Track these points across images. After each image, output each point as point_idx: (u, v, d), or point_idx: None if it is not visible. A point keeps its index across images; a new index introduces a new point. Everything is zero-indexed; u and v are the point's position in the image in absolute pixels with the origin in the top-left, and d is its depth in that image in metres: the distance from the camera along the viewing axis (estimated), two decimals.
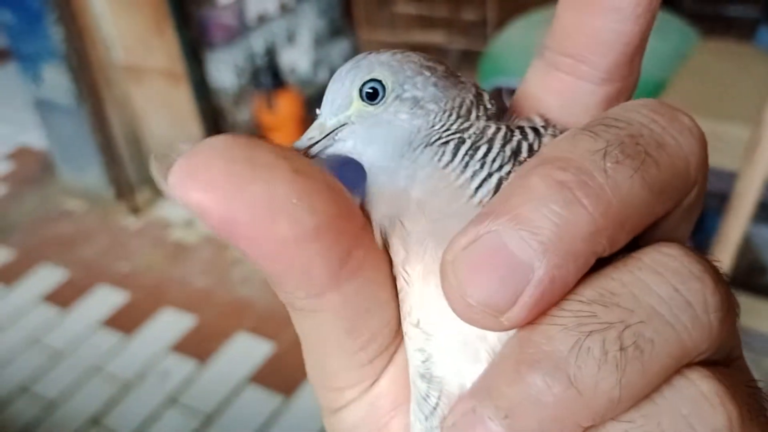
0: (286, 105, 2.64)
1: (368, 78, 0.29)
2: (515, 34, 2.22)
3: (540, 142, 0.27)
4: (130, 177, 2.67)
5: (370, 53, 0.30)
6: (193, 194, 0.21)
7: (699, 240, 1.78)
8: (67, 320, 2.32)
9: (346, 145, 0.30)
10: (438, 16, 2.71)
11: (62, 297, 2.40)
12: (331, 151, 0.30)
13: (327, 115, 0.30)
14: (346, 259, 0.24)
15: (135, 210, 2.67)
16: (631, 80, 0.27)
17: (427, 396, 0.26)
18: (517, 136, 0.27)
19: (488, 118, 0.29)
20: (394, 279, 0.27)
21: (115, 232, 2.65)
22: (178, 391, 2.03)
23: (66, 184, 2.80)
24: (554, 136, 0.27)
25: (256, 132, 2.71)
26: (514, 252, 0.20)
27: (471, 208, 0.25)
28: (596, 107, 0.27)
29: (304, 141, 0.30)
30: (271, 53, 2.70)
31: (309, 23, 2.78)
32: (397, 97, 0.29)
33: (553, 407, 0.19)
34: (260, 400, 1.97)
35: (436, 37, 2.72)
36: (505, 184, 0.25)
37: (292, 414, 1.92)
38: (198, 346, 2.15)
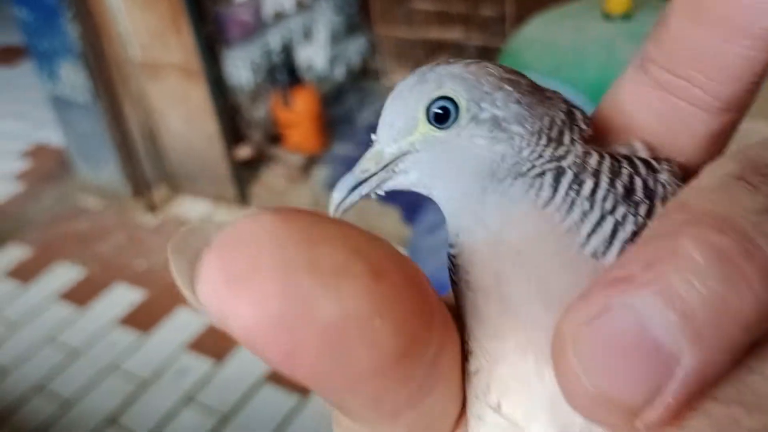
0: (303, 102, 2.62)
1: (437, 95, 0.24)
2: (535, 30, 2.19)
3: (656, 181, 0.22)
4: (146, 174, 2.66)
5: (437, 64, 0.25)
6: (238, 314, 0.16)
7: None
8: (83, 318, 2.31)
9: (409, 178, 0.25)
10: (456, 11, 2.68)
11: (79, 295, 2.40)
12: (390, 185, 0.26)
13: (385, 141, 0.25)
14: (430, 372, 0.19)
15: (152, 207, 2.67)
16: (745, 111, 0.23)
17: None
18: (627, 168, 0.23)
19: (585, 142, 0.24)
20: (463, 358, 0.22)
21: (132, 229, 2.65)
22: (194, 390, 2.02)
23: (83, 181, 2.80)
24: (672, 173, 0.23)
25: (274, 128, 2.70)
26: (658, 336, 0.16)
27: (584, 260, 0.21)
28: (705, 139, 0.23)
29: (357, 174, 0.26)
30: (287, 50, 2.68)
31: (325, 20, 2.76)
32: (473, 118, 0.24)
33: None
34: (276, 399, 1.95)
35: (453, 34, 2.70)
36: (621, 231, 0.21)
37: (308, 413, 1.91)
38: (215, 345, 2.14)
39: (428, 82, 0.25)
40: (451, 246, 0.24)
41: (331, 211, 0.25)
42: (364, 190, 0.26)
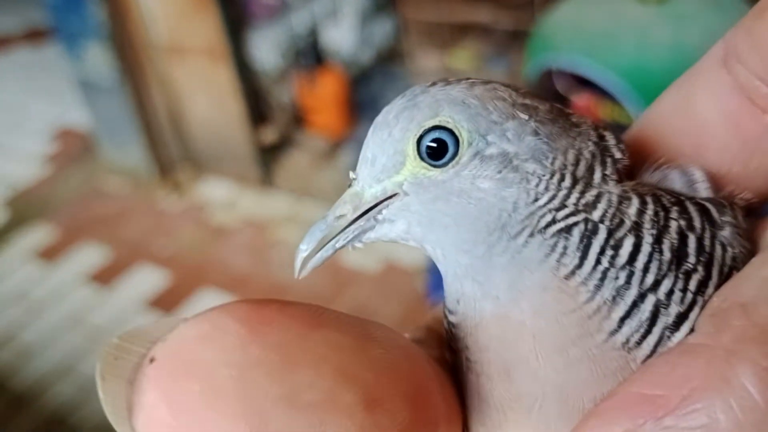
0: (329, 85, 2.60)
1: (431, 125, 0.19)
2: (566, 12, 2.14)
3: (714, 238, 0.18)
4: (171, 156, 2.66)
5: (433, 83, 0.20)
6: None
7: None
8: (108, 299, 2.33)
9: (394, 229, 0.20)
10: None
11: (105, 276, 2.41)
12: (370, 237, 0.21)
13: (366, 180, 0.20)
14: None
15: (176, 189, 2.67)
16: None
17: None
18: (676, 220, 0.18)
19: (620, 179, 0.19)
20: None
21: (156, 211, 2.65)
22: None
23: (109, 163, 2.81)
24: (736, 226, 0.18)
25: (299, 111, 2.67)
26: None
27: (612, 353, 0.17)
28: None
29: (330, 222, 0.20)
30: (313, 32, 2.65)
31: (352, 1, 2.72)
32: (477, 153, 0.19)
33: None
34: None
35: (482, 15, 2.65)
36: (664, 315, 0.17)
37: None
38: None
39: (420, 107, 0.20)
40: (449, 312, 0.20)
41: (296, 270, 0.20)
42: (339, 243, 0.21)
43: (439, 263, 0.20)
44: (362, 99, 2.77)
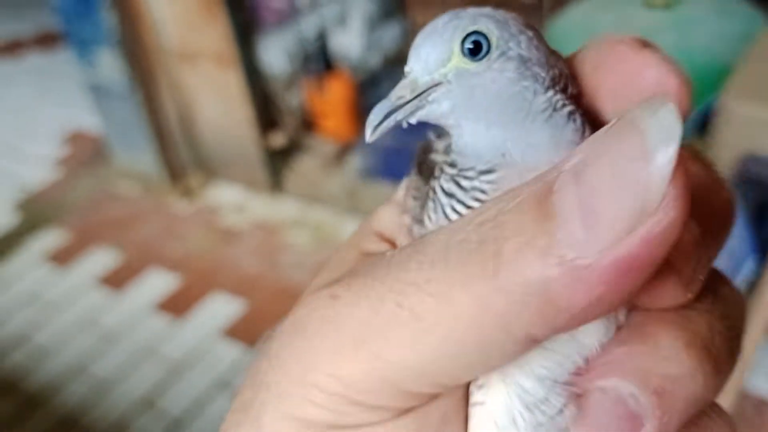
0: (337, 90, 2.62)
1: (471, 30, 0.26)
2: (573, 18, 2.15)
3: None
4: (182, 160, 2.69)
5: (464, 9, 0.27)
6: None
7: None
8: (120, 302, 2.35)
9: (440, 108, 0.26)
10: None
11: (116, 279, 2.44)
12: (422, 114, 0.26)
13: (419, 71, 0.26)
14: None
15: (187, 193, 2.69)
16: None
17: None
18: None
19: (576, 101, 0.27)
20: None
21: (167, 215, 2.68)
22: (228, 375, 2.05)
23: (120, 167, 2.84)
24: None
25: (308, 115, 2.69)
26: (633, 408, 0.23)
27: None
28: None
29: (393, 100, 0.26)
30: (322, 37, 2.67)
31: (361, 5, 2.74)
32: (503, 53, 0.26)
33: None
34: None
35: None
36: None
37: None
38: (248, 331, 2.16)
39: (463, 18, 0.26)
40: (483, 173, 0.26)
41: (368, 134, 0.26)
42: (399, 116, 0.26)
43: (472, 137, 0.26)
44: (371, 103, 2.77)
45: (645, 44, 0.27)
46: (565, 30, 2.13)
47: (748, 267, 1.44)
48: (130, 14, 2.45)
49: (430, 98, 0.26)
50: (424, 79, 0.26)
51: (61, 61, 3.54)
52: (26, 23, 4.14)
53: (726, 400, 1.44)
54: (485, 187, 0.26)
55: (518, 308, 0.21)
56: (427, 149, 0.30)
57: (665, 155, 0.19)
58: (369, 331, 0.22)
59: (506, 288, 0.20)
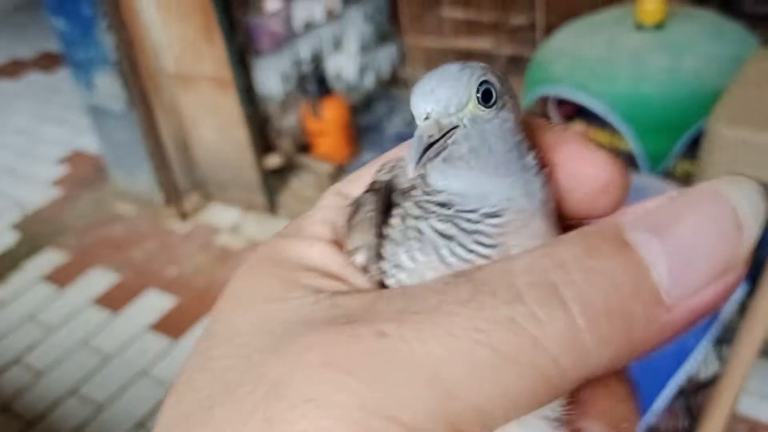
0: (332, 111, 2.64)
1: (483, 79, 0.27)
2: (565, 40, 2.17)
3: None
4: (178, 182, 2.70)
5: (467, 62, 0.29)
6: None
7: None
8: (116, 323, 2.36)
9: (461, 150, 0.28)
10: (485, 20, 2.67)
11: (113, 300, 2.45)
12: (445, 155, 0.28)
13: (440, 114, 0.28)
14: None
15: (183, 214, 2.71)
16: None
17: None
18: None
19: None
20: None
21: (164, 236, 2.70)
22: None
23: (118, 188, 2.86)
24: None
25: (304, 137, 2.72)
26: None
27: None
28: None
29: (425, 139, 0.27)
30: (317, 60, 2.70)
31: (356, 29, 2.77)
32: (504, 105, 0.28)
33: None
34: None
35: (483, 43, 2.69)
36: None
37: None
38: None
39: (475, 68, 0.28)
40: (489, 216, 0.27)
41: (411, 170, 0.27)
42: (432, 153, 0.27)
43: (481, 179, 0.28)
44: (365, 124, 2.81)
45: (589, 140, 0.30)
46: (557, 51, 2.15)
47: (739, 291, 1.45)
48: (129, 38, 2.48)
49: (450, 140, 0.27)
50: (446, 121, 0.27)
51: (61, 81, 3.57)
52: (27, 44, 4.18)
53: (719, 423, 1.44)
54: (490, 230, 0.27)
55: (603, 349, 0.22)
56: (389, 186, 0.30)
57: (754, 227, 0.23)
58: (442, 370, 0.22)
59: (596, 330, 0.22)
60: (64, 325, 2.39)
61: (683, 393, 1.54)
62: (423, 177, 0.29)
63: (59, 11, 2.55)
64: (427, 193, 0.28)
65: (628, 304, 0.22)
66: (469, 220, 0.27)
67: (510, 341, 0.22)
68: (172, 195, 2.70)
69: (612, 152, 0.29)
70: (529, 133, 0.30)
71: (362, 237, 0.29)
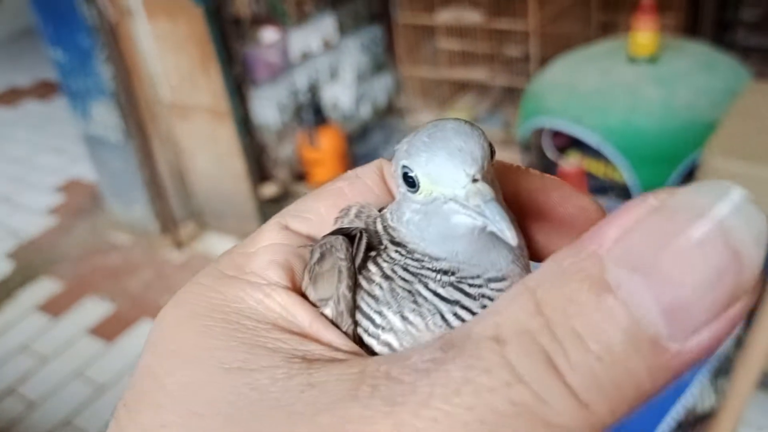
0: (329, 141, 2.66)
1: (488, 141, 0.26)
2: (559, 72, 2.19)
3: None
4: (174, 211, 2.71)
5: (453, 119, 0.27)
6: None
7: None
8: (111, 354, 2.35)
9: (494, 218, 0.25)
10: (480, 51, 2.70)
11: (107, 330, 2.44)
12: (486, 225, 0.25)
13: (477, 174, 0.25)
14: None
15: (179, 244, 2.70)
16: None
17: None
18: None
19: None
20: None
21: (159, 265, 2.69)
22: None
23: (114, 217, 2.86)
24: None
25: (300, 166, 2.73)
26: None
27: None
28: None
29: (496, 203, 0.25)
30: (313, 90, 2.72)
31: (352, 59, 2.80)
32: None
33: None
34: None
35: (478, 73, 2.71)
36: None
37: None
38: None
39: (474, 125, 0.26)
40: (494, 280, 0.26)
41: (513, 239, 0.25)
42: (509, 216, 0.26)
43: (495, 243, 0.26)
44: (361, 154, 2.82)
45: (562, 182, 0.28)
46: (552, 83, 2.17)
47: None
48: (126, 68, 2.50)
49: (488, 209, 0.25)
50: (486, 187, 0.25)
51: (58, 109, 3.59)
52: (25, 72, 4.20)
53: None
54: (494, 294, 0.26)
55: (604, 412, 0.20)
56: (363, 235, 0.28)
57: (755, 250, 0.20)
58: None
59: (597, 400, 0.20)
60: (58, 355, 2.37)
61: (680, 426, 1.54)
62: (396, 240, 0.27)
63: (57, 42, 2.56)
64: (415, 258, 0.27)
65: (630, 364, 0.20)
66: (472, 285, 0.26)
67: (520, 427, 0.19)
68: (168, 224, 2.70)
69: (593, 199, 0.28)
70: (506, 180, 0.28)
71: (331, 288, 0.26)
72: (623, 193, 2.02)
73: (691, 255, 0.20)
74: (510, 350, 0.20)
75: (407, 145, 0.27)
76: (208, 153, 2.61)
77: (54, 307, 2.57)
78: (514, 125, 2.45)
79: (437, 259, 0.26)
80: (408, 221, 0.27)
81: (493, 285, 0.26)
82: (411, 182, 0.26)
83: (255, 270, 0.26)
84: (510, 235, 0.24)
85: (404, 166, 0.26)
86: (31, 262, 2.79)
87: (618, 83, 2.06)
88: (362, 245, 0.27)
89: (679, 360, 0.20)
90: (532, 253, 0.28)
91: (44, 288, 2.66)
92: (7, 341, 2.45)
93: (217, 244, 2.71)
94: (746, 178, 1.65)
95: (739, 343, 1.49)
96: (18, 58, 4.37)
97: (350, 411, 0.20)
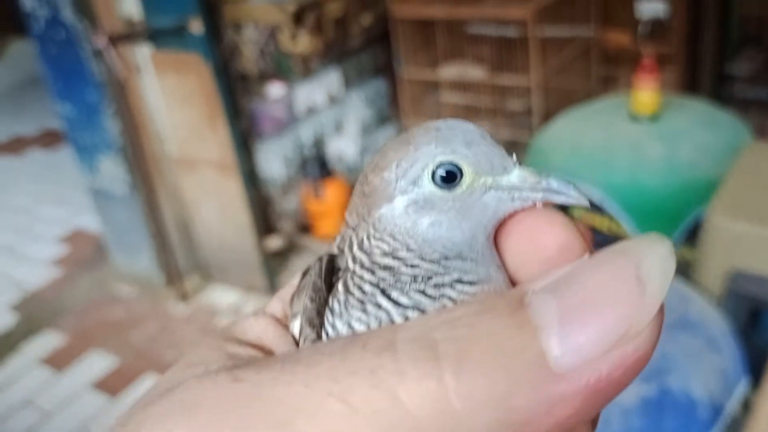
0: (333, 193, 2.68)
1: None
2: (562, 128, 2.22)
3: None
4: (179, 264, 2.71)
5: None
6: None
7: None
8: (115, 409, 2.33)
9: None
10: (483, 105, 2.74)
11: (112, 385, 2.43)
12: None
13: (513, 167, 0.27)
14: None
15: (183, 296, 2.71)
16: None
17: None
18: None
19: None
20: None
21: (164, 318, 2.69)
22: None
23: (118, 268, 2.86)
24: None
25: (305, 218, 2.74)
26: None
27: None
28: None
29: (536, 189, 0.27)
30: (319, 143, 2.75)
31: (356, 112, 2.83)
32: None
33: None
34: None
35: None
36: None
37: None
38: None
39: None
40: (467, 283, 0.26)
41: (584, 199, 0.27)
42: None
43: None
44: None
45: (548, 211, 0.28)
46: (556, 139, 2.19)
47: (742, 388, 1.46)
48: (134, 123, 2.53)
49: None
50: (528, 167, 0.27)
51: (63, 159, 3.61)
52: (30, 121, 4.24)
53: None
54: (458, 296, 0.25)
55: (476, 415, 0.19)
56: (331, 255, 0.29)
57: (660, 285, 0.20)
58: (286, 417, 0.20)
59: (467, 391, 0.19)
60: (62, 410, 2.36)
61: None
62: (368, 259, 0.27)
63: (65, 96, 2.60)
64: (392, 269, 0.27)
65: (510, 367, 0.19)
66: (437, 285, 0.26)
67: (367, 396, 0.20)
68: (173, 276, 2.71)
69: (569, 218, 0.27)
70: None
71: (300, 303, 0.27)
72: None
73: (601, 282, 0.20)
74: (400, 333, 0.21)
75: (433, 144, 0.27)
76: (214, 205, 2.63)
77: (58, 361, 2.56)
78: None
79: (433, 262, 0.26)
80: (432, 225, 0.27)
81: (459, 287, 0.26)
82: (451, 177, 0.27)
83: (248, 318, 0.29)
84: (581, 197, 0.26)
85: (445, 162, 0.27)
86: (35, 315, 2.79)
87: (620, 141, 2.08)
88: (325, 265, 0.28)
89: (563, 388, 0.19)
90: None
91: (48, 341, 2.66)
92: (10, 396, 2.44)
93: (221, 296, 2.71)
94: (749, 237, 1.67)
95: (746, 406, 1.49)
96: (23, 107, 4.41)
97: (237, 367, 0.22)
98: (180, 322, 2.65)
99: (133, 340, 2.61)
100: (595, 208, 2.12)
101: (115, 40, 2.36)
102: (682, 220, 1.97)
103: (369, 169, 0.29)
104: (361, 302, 0.26)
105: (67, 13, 2.42)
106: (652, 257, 0.21)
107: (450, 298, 0.25)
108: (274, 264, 2.66)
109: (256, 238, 2.59)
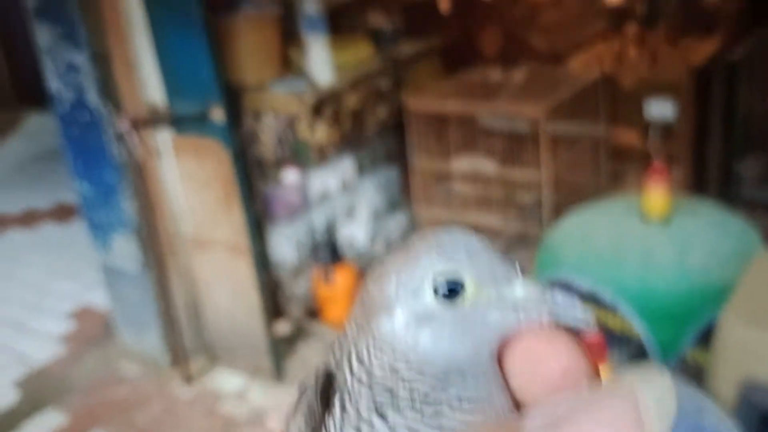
0: (343, 278, 2.69)
1: None
2: (573, 226, 2.25)
3: None
4: (186, 344, 2.71)
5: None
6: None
7: None
8: None
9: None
10: (494, 197, 2.78)
11: None
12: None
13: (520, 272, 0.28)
14: None
15: (188, 378, 2.69)
16: None
17: None
18: None
19: None
20: None
21: (168, 399, 2.66)
22: None
23: (125, 347, 2.86)
24: None
25: (314, 303, 2.75)
26: None
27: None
28: None
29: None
30: (330, 228, 2.78)
31: (368, 199, 2.87)
32: None
33: None
34: None
35: (491, 219, 2.78)
36: None
37: None
38: None
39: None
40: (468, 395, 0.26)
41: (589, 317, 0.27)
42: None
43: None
44: None
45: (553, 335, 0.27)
46: (567, 237, 2.22)
47: None
48: (150, 204, 2.57)
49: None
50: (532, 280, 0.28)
51: (75, 233, 3.64)
52: (43, 194, 4.29)
53: None
54: (457, 426, 0.26)
55: None
56: (328, 369, 0.29)
57: (658, 425, 0.21)
58: None
59: None
60: None
61: None
62: (367, 376, 0.27)
63: (84, 176, 2.64)
64: (395, 371, 0.27)
65: None
66: (429, 403, 0.26)
67: None
68: (179, 357, 2.70)
69: (572, 338, 0.27)
70: None
71: (294, 426, 0.28)
72: (639, 350, 2.03)
73: (602, 421, 0.21)
74: None
75: (435, 255, 0.27)
76: (225, 287, 2.64)
77: None
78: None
79: (432, 376, 0.26)
80: (433, 338, 0.26)
81: (457, 405, 0.26)
82: (453, 290, 0.26)
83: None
84: (586, 316, 0.26)
85: (447, 274, 0.26)
86: (38, 392, 2.77)
87: (632, 244, 2.10)
88: (321, 382, 0.28)
89: None
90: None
91: (51, 420, 2.63)
92: None
93: (227, 380, 2.69)
94: (763, 344, 1.67)
95: None
96: (37, 180, 4.47)
97: None
98: (184, 405, 2.63)
99: (135, 421, 2.58)
100: (608, 306, 2.13)
101: (138, 124, 2.42)
102: (693, 324, 1.98)
103: (370, 279, 0.29)
104: (357, 429, 0.26)
105: (92, 96, 2.49)
106: (651, 396, 0.21)
107: (445, 427, 0.25)
108: (281, 348, 2.65)
109: (266, 321, 2.59)
